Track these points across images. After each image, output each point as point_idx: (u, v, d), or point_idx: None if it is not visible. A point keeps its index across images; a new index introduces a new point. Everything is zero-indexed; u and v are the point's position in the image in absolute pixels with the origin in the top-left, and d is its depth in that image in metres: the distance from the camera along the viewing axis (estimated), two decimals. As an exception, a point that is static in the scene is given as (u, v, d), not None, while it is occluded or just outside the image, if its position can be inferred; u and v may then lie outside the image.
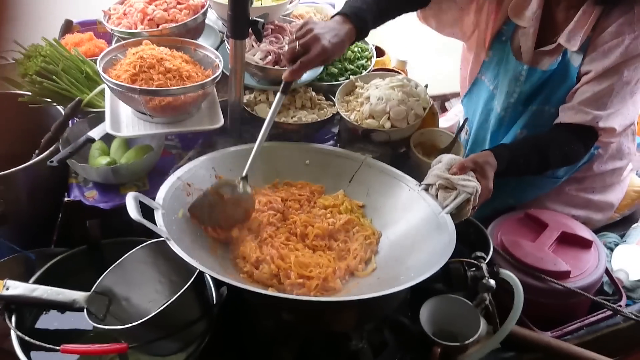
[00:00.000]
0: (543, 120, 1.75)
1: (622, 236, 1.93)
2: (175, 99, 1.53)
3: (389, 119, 1.70)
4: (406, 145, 1.76)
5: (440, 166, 1.47)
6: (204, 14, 1.82)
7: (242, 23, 1.51)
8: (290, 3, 1.94)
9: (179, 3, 1.80)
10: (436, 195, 1.45)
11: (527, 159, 1.59)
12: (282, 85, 1.46)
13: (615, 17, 1.58)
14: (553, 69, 1.70)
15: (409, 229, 1.44)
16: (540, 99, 1.75)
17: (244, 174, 1.45)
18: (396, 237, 1.46)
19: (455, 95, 2.72)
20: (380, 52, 2.17)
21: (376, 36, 1.80)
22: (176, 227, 1.30)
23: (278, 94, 1.46)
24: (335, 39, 1.44)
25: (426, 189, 1.48)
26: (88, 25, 2.18)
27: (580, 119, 1.62)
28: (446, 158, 1.49)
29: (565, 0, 1.66)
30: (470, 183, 1.41)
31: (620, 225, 2.01)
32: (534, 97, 1.77)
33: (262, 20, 1.53)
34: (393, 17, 1.67)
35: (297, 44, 1.43)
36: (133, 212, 1.21)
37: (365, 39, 1.66)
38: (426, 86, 1.81)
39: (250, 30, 1.55)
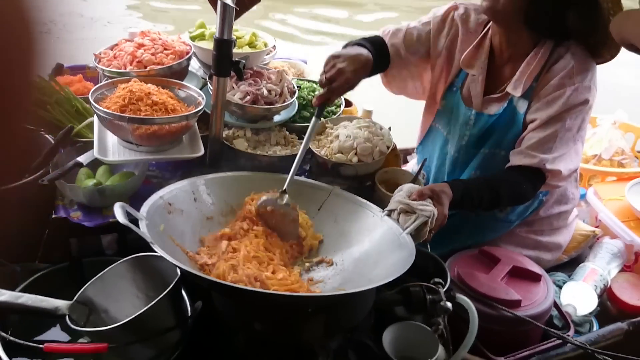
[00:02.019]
0: (495, 163, 1.91)
1: (569, 276, 2.04)
2: (160, 128, 1.64)
3: (356, 154, 1.83)
4: (372, 180, 1.89)
5: (401, 193, 1.60)
6: (188, 59, 1.97)
7: (225, 62, 1.67)
8: (267, 55, 2.11)
9: (165, 48, 1.95)
10: (397, 219, 1.56)
11: (480, 193, 1.72)
12: (316, 110, 1.67)
13: (556, 71, 1.78)
14: (499, 113, 1.88)
15: (372, 247, 1.55)
16: (490, 143, 1.92)
17: (284, 187, 1.60)
18: (360, 254, 1.56)
19: (418, 149, 2.89)
20: (348, 103, 2.35)
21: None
22: (157, 239, 1.36)
23: (313, 119, 1.66)
24: (356, 65, 1.69)
25: (388, 215, 1.60)
26: (77, 70, 2.27)
27: (528, 162, 1.78)
28: (407, 187, 1.62)
29: (509, 54, 1.88)
30: (428, 208, 1.53)
31: (568, 267, 2.12)
32: (484, 140, 1.93)
33: (243, 61, 1.68)
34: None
35: (324, 77, 1.65)
36: (120, 217, 1.29)
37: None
38: (390, 128, 1.96)
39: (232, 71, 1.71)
